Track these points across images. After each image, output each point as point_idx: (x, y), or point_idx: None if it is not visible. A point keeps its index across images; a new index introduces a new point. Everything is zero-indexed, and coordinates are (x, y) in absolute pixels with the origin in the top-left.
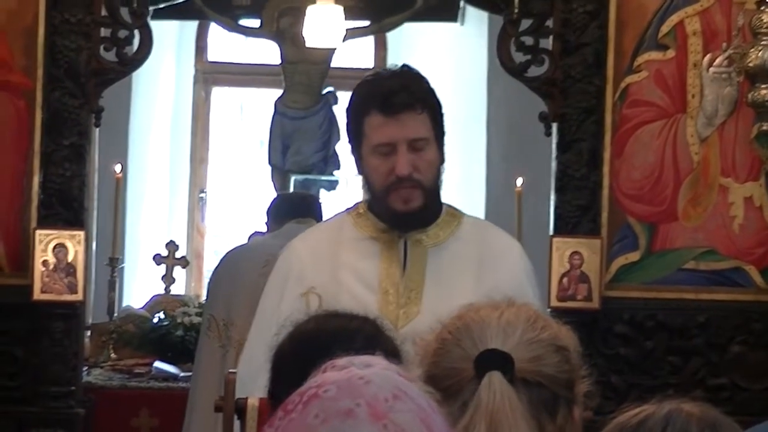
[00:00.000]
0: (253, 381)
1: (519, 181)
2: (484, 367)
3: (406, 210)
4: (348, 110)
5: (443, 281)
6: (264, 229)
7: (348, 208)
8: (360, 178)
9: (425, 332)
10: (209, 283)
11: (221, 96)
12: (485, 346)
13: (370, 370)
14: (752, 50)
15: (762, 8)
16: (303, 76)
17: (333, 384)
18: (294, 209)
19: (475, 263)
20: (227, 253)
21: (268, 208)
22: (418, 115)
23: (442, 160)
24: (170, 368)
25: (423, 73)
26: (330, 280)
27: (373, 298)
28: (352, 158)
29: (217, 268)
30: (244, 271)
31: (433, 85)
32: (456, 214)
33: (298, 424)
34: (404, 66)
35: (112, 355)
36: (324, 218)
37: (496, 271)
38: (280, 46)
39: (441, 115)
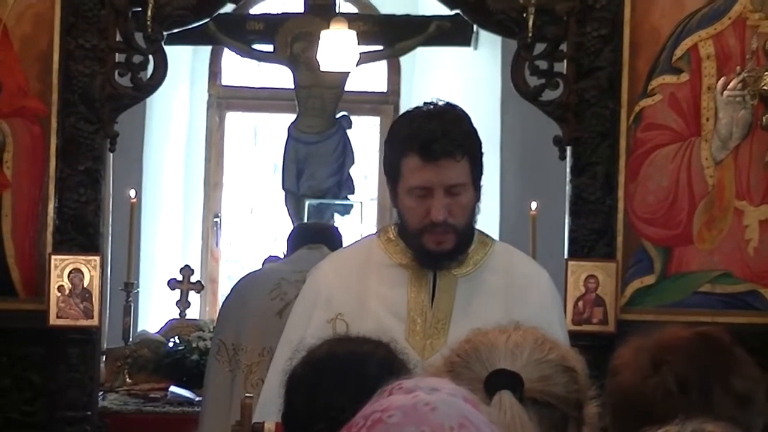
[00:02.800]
0: (272, 405)
1: (533, 205)
2: (494, 388)
3: (438, 250)
4: (386, 145)
5: (471, 312)
6: (281, 255)
7: (377, 231)
8: (385, 207)
9: (434, 359)
10: (221, 309)
11: (235, 121)
12: (494, 367)
13: (436, 395)
14: (766, 73)
15: None
16: (316, 101)
17: (398, 409)
18: (309, 237)
19: (503, 293)
20: (241, 279)
21: (288, 237)
22: (457, 163)
23: (478, 199)
24: (186, 393)
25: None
26: (358, 307)
27: (400, 327)
28: (388, 189)
29: (229, 294)
30: (253, 295)
31: (472, 123)
32: (486, 241)
33: None
34: (447, 105)
35: (128, 380)
36: (343, 244)
37: (524, 303)
38: (293, 70)
39: (481, 155)
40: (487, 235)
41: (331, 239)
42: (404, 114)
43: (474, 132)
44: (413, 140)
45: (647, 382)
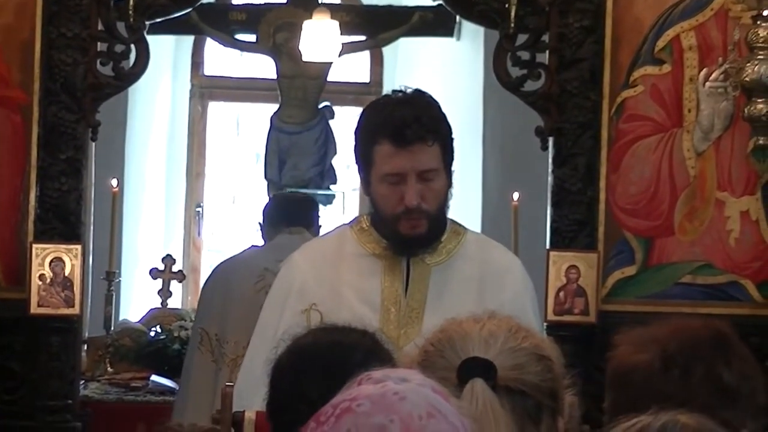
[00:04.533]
0: (251, 395)
1: (515, 196)
2: (466, 375)
3: (412, 235)
4: (357, 134)
5: (445, 301)
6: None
7: (350, 222)
8: (365, 196)
9: (410, 349)
10: (201, 295)
11: (217, 110)
12: (467, 355)
13: (405, 385)
14: (748, 65)
15: (758, 23)
16: (299, 91)
17: (367, 398)
18: (289, 216)
19: (477, 282)
20: (219, 264)
21: (264, 210)
22: (428, 147)
23: (449, 185)
24: (167, 382)
25: (430, 94)
26: (331, 297)
27: (374, 317)
28: (360, 178)
29: (208, 280)
30: (237, 286)
31: (442, 110)
32: (459, 230)
33: None
34: (416, 91)
35: (109, 369)
36: (321, 224)
37: (498, 291)
38: (276, 60)
39: (451, 141)
40: (459, 225)
41: (311, 217)
42: (373, 102)
43: (444, 118)
44: (385, 127)
45: (635, 357)
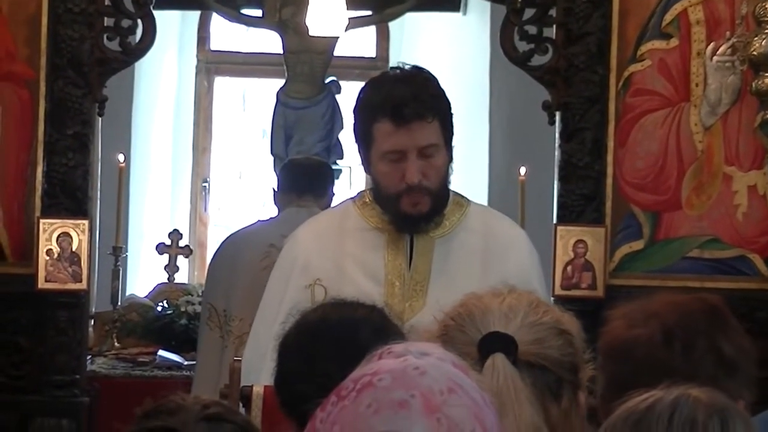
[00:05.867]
0: (257, 370)
1: (522, 170)
2: (487, 350)
3: (414, 212)
4: (356, 112)
5: (449, 274)
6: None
7: (353, 197)
8: (367, 175)
9: (429, 324)
10: (209, 270)
11: (224, 86)
12: (488, 330)
13: (426, 359)
14: (756, 39)
15: None
16: (305, 66)
17: (388, 373)
18: (301, 183)
19: (481, 254)
20: (226, 239)
21: (277, 176)
22: (428, 124)
23: (450, 160)
24: (174, 357)
25: (430, 69)
26: (335, 272)
27: (378, 291)
28: (360, 157)
29: (215, 255)
30: (244, 261)
31: (441, 84)
32: (462, 202)
33: (351, 413)
34: (414, 68)
35: (116, 344)
36: (335, 193)
37: (502, 262)
38: (282, 36)
39: (450, 116)
40: (462, 196)
41: (324, 185)
42: (372, 80)
43: (443, 93)
44: (384, 105)
45: (633, 332)
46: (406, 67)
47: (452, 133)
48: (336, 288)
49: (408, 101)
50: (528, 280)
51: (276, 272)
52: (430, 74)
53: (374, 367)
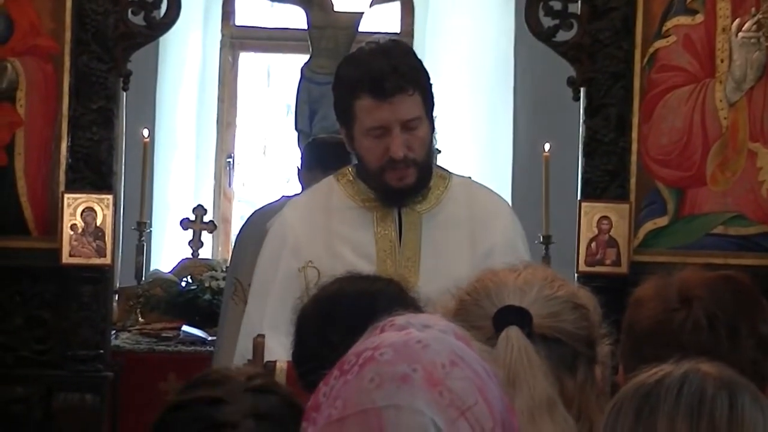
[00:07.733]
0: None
1: (547, 146)
2: (502, 323)
3: (400, 186)
4: (335, 90)
5: (439, 247)
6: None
7: (334, 174)
8: (350, 151)
9: (446, 300)
10: (234, 246)
11: (248, 61)
12: (502, 303)
13: (428, 332)
14: None
15: None
16: (330, 42)
17: (390, 347)
18: (326, 159)
19: (468, 224)
20: (252, 214)
21: (301, 154)
22: (409, 97)
23: (432, 130)
24: (198, 332)
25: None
26: (326, 253)
27: (370, 269)
28: (343, 134)
29: (241, 230)
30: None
31: (418, 57)
32: (444, 175)
33: (353, 387)
34: (391, 41)
35: (140, 319)
36: None
37: (489, 231)
38: (306, 11)
39: (430, 87)
40: (444, 169)
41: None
42: (349, 56)
43: (421, 65)
44: (363, 81)
45: (674, 315)
46: (382, 41)
47: (433, 104)
48: (328, 269)
49: (387, 75)
50: (514, 246)
51: (264, 255)
52: (408, 46)
53: (376, 341)
